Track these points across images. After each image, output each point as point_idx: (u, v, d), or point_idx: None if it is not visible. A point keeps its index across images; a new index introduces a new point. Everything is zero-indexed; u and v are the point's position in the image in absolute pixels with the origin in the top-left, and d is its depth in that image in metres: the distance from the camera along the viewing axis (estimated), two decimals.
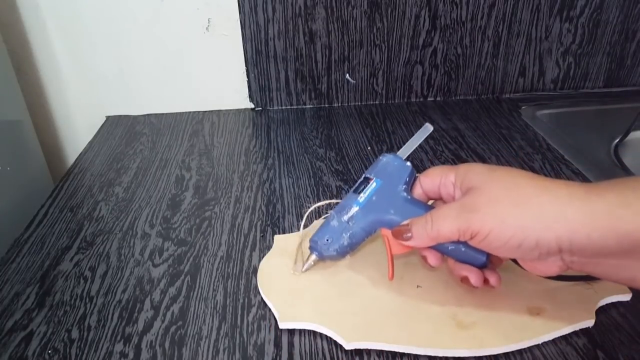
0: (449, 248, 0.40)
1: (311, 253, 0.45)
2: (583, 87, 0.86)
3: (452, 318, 0.41)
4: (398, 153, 0.44)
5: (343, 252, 0.43)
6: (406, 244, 0.39)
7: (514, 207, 0.34)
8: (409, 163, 0.43)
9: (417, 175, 0.43)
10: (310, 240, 0.44)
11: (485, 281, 0.40)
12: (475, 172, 0.38)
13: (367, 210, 0.42)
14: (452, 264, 0.41)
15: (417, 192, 0.42)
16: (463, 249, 0.39)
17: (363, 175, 0.44)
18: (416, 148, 0.45)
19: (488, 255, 0.39)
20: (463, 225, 0.35)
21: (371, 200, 0.42)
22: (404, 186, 0.42)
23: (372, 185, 0.42)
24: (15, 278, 0.48)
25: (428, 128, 0.46)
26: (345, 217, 0.42)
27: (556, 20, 0.79)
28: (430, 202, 0.43)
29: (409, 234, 0.39)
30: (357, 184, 0.44)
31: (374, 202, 0.42)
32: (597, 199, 0.32)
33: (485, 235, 0.35)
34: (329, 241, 0.43)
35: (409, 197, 0.42)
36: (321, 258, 0.45)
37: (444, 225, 0.37)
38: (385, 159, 0.44)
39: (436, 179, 0.41)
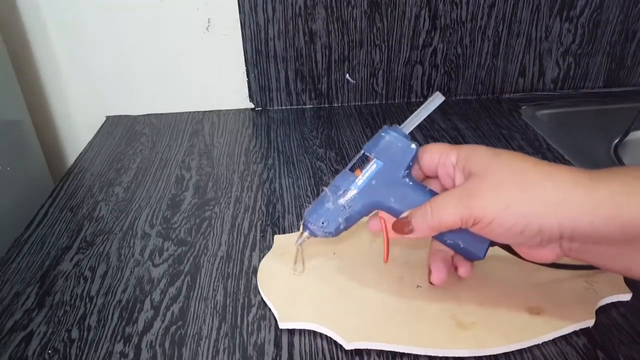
0: (447, 242, 0.39)
1: (305, 231, 0.43)
2: (583, 87, 0.86)
3: (452, 318, 0.41)
4: (402, 127, 0.40)
5: (337, 233, 0.42)
6: (407, 237, 0.39)
7: (517, 192, 0.34)
8: (414, 145, 0.39)
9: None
10: (305, 220, 0.42)
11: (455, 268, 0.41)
12: (478, 156, 0.37)
13: (366, 194, 0.40)
14: (428, 255, 0.41)
15: (414, 167, 0.40)
16: (462, 245, 0.39)
17: (362, 151, 0.40)
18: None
19: (486, 251, 0.39)
20: (465, 212, 0.35)
21: (370, 184, 0.39)
22: (406, 171, 0.39)
23: (372, 167, 0.39)
24: (15, 278, 0.48)
25: (439, 97, 0.41)
26: (342, 201, 0.40)
27: (556, 20, 0.79)
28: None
29: (410, 227, 0.37)
30: (354, 160, 0.41)
31: (373, 186, 0.39)
32: (601, 187, 0.32)
33: (488, 222, 0.34)
34: (324, 224, 0.41)
35: (411, 183, 0.39)
36: (315, 237, 0.43)
37: (445, 213, 0.36)
38: (389, 137, 0.39)
39: (435, 157, 0.39)
